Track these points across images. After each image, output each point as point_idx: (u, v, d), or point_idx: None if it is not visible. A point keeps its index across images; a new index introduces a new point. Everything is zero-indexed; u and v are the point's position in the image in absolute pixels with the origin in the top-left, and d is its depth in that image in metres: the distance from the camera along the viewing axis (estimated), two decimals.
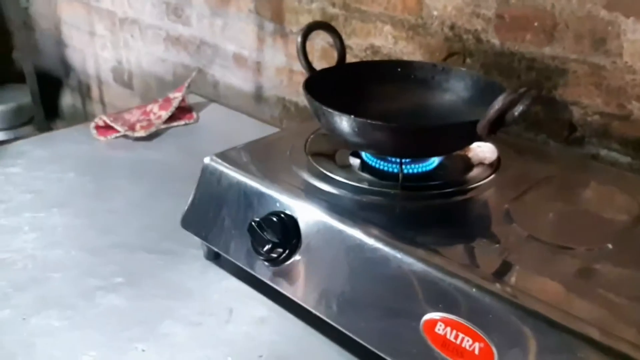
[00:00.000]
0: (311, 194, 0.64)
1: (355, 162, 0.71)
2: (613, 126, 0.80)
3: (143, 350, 0.61)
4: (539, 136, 0.87)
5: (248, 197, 0.67)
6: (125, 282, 0.71)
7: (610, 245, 0.56)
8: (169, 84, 1.49)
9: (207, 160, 0.72)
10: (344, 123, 0.63)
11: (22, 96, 1.91)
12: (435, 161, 0.70)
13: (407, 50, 0.98)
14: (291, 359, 0.60)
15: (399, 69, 0.79)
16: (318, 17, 1.08)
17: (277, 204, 0.64)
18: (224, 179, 0.69)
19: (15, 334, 0.63)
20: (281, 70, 1.21)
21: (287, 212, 0.62)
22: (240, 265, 0.68)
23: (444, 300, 0.52)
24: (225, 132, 1.08)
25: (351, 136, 0.64)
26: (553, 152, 0.83)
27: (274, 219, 0.62)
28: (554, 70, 0.83)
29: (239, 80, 1.31)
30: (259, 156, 0.74)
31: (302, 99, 1.16)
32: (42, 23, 1.94)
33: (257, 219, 0.62)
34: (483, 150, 0.72)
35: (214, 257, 0.74)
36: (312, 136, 0.76)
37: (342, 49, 0.79)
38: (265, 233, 0.61)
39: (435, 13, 0.93)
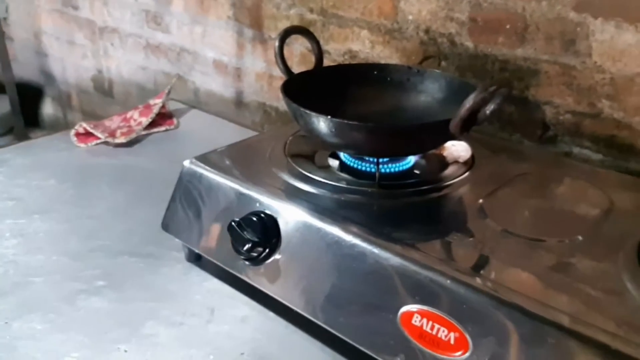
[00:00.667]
0: (290, 193, 0.66)
1: (334, 163, 0.73)
2: (584, 124, 0.82)
3: (125, 351, 0.61)
4: (513, 136, 0.89)
5: (228, 198, 0.68)
6: (107, 285, 0.71)
7: (580, 237, 0.58)
8: (150, 92, 1.50)
9: (186, 163, 0.73)
10: (322, 124, 0.64)
11: (1, 106, 1.90)
12: (411, 160, 0.71)
13: (384, 54, 1.00)
14: (273, 357, 0.61)
15: (375, 72, 0.81)
16: (296, 23, 1.10)
17: (257, 204, 0.65)
18: (204, 181, 0.70)
19: None
20: (261, 76, 1.22)
21: (267, 211, 0.64)
22: (221, 265, 0.68)
23: (420, 293, 0.53)
24: (206, 137, 1.09)
25: (329, 137, 0.65)
26: (527, 150, 0.85)
27: (254, 218, 0.63)
28: (526, 71, 0.85)
29: (219, 86, 1.32)
30: (238, 158, 0.75)
31: (282, 104, 1.17)
32: (21, 33, 1.94)
33: (237, 219, 0.63)
34: (457, 149, 0.74)
35: (195, 259, 0.75)
36: (291, 138, 0.77)
37: (319, 53, 0.80)
38: (245, 232, 0.62)
39: (410, 17, 0.95)
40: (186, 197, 0.73)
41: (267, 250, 0.63)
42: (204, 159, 0.73)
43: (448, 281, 0.52)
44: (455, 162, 0.72)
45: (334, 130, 0.63)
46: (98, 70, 1.68)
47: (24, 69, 1.95)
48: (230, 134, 1.10)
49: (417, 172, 0.71)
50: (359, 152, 0.69)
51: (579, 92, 0.81)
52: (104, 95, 1.71)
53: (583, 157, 0.83)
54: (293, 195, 0.65)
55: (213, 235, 0.69)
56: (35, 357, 0.61)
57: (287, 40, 0.77)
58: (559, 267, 0.54)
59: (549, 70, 0.83)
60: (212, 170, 0.71)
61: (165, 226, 0.74)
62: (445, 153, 0.74)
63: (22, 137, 1.74)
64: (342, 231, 0.59)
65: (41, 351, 0.61)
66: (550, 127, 0.85)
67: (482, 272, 0.53)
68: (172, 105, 1.24)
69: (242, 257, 0.64)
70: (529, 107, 0.86)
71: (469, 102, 0.58)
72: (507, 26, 0.85)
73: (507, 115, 0.88)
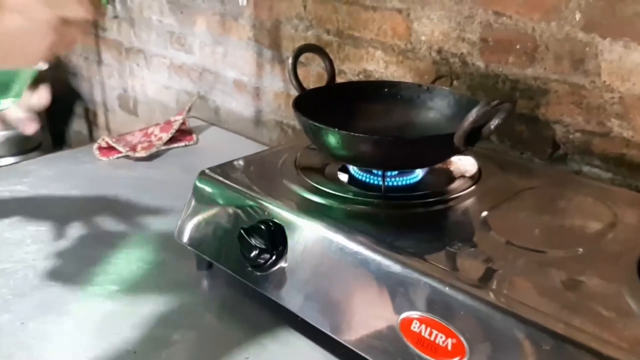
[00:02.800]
0: (298, 203, 0.67)
1: (343, 176, 0.75)
2: (594, 143, 0.83)
3: (135, 352, 0.63)
4: (524, 154, 0.90)
5: (238, 207, 0.70)
6: (121, 290, 0.73)
7: (580, 250, 0.58)
8: (172, 111, 1.54)
9: (200, 173, 0.75)
10: (329, 136, 0.66)
11: None
12: (418, 175, 0.73)
13: (397, 74, 1.02)
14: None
15: (386, 89, 0.83)
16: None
17: (266, 213, 0.67)
18: (217, 191, 0.73)
19: (14, 337, 0.65)
20: (279, 95, 1.25)
21: (275, 220, 0.65)
22: (230, 272, 0.70)
23: (419, 300, 0.54)
24: (224, 152, 1.10)
25: (336, 149, 0.67)
26: (536, 167, 0.86)
27: (262, 226, 0.65)
28: (537, 90, 0.86)
29: (239, 105, 1.36)
30: (251, 170, 0.77)
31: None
32: None
33: (246, 226, 0.65)
34: (464, 164, 0.75)
35: (207, 267, 0.77)
36: (301, 151, 0.79)
37: (331, 70, 0.83)
38: (252, 239, 0.64)
39: (423, 38, 0.97)
40: (199, 206, 0.75)
41: (273, 257, 0.64)
42: (217, 169, 0.76)
43: (447, 288, 0.53)
44: (462, 176, 0.73)
45: (341, 142, 0.65)
46: (123, 89, 1.74)
47: (52, 87, 2.02)
48: (247, 149, 1.11)
49: (423, 185, 0.72)
50: (365, 165, 0.71)
51: (589, 111, 0.82)
52: (129, 113, 1.76)
53: (593, 176, 0.84)
54: (300, 205, 0.67)
55: (223, 243, 0.71)
56: (49, 358, 0.63)
57: (305, 61, 0.80)
58: (556, 277, 0.54)
59: (558, 90, 0.84)
60: (225, 180, 0.73)
61: (179, 235, 0.77)
62: (452, 168, 0.75)
63: (50, 153, 1.80)
64: (347, 239, 0.60)
65: (55, 351, 0.64)
66: (560, 146, 0.86)
67: (480, 280, 0.54)
68: (192, 123, 1.28)
69: (249, 263, 0.65)
70: (539, 125, 0.88)
71: (472, 115, 0.60)
72: (517, 46, 0.87)
73: (518, 134, 0.90)
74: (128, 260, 0.79)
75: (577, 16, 0.80)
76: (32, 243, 0.83)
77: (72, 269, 0.78)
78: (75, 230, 0.87)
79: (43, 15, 0.40)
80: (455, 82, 0.95)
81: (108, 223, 0.89)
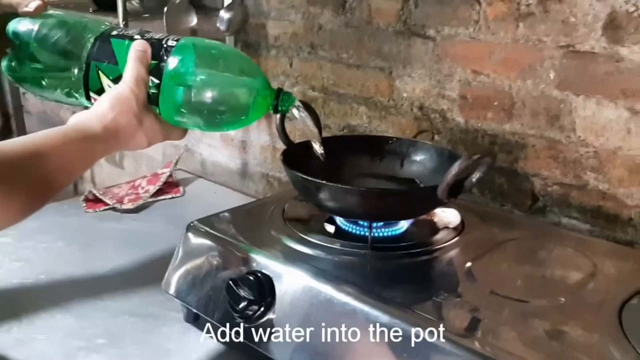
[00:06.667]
0: (286, 254, 0.69)
1: (330, 227, 0.76)
2: (572, 196, 0.86)
3: None
4: (504, 206, 0.93)
5: (227, 258, 0.71)
6: (107, 344, 0.73)
7: (562, 299, 0.60)
8: (158, 164, 1.55)
9: (189, 224, 0.76)
10: (317, 189, 0.68)
11: None
12: (403, 226, 0.75)
13: (380, 128, 1.05)
14: None
15: (370, 143, 0.86)
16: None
17: (254, 264, 0.68)
18: (205, 242, 0.74)
19: None
20: (265, 148, 1.28)
21: (264, 271, 0.66)
22: (217, 324, 0.70)
23: (407, 349, 0.55)
24: (210, 204, 1.12)
25: (323, 201, 0.69)
26: (516, 219, 0.88)
27: (250, 277, 0.65)
28: (515, 144, 0.90)
29: (225, 157, 1.38)
30: (239, 221, 0.79)
31: (284, 175, 1.22)
32: (39, 106, 2.03)
33: (234, 277, 0.66)
34: (447, 216, 0.77)
35: (194, 319, 0.77)
36: (289, 203, 0.81)
37: (318, 125, 0.85)
38: (241, 291, 0.65)
39: (405, 95, 1.01)
40: (187, 258, 0.76)
41: (262, 309, 0.65)
42: (206, 221, 0.77)
43: (434, 338, 0.54)
44: (446, 227, 0.75)
45: (328, 194, 0.67)
46: None
47: None
48: (234, 201, 1.14)
49: (408, 236, 0.74)
50: (352, 216, 0.73)
51: (565, 164, 0.85)
52: (115, 166, 1.77)
53: (572, 227, 0.86)
54: (289, 256, 0.68)
55: (211, 294, 0.71)
56: None
57: (291, 116, 0.82)
58: (540, 327, 0.56)
59: (535, 144, 0.87)
60: (213, 232, 0.74)
61: (166, 286, 0.77)
62: (435, 219, 0.77)
63: None
64: (334, 290, 0.61)
65: None
66: (539, 198, 0.89)
67: (466, 330, 0.56)
68: (179, 175, 1.29)
69: (238, 315, 0.66)
70: (518, 179, 0.90)
71: (454, 169, 0.62)
72: (495, 103, 0.90)
73: (498, 186, 0.92)
74: (114, 313, 0.79)
75: (552, 75, 0.84)
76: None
77: (57, 322, 0.77)
78: (59, 283, 0.87)
79: (158, 141, 0.66)
80: (436, 137, 0.98)
81: (94, 275, 0.89)
